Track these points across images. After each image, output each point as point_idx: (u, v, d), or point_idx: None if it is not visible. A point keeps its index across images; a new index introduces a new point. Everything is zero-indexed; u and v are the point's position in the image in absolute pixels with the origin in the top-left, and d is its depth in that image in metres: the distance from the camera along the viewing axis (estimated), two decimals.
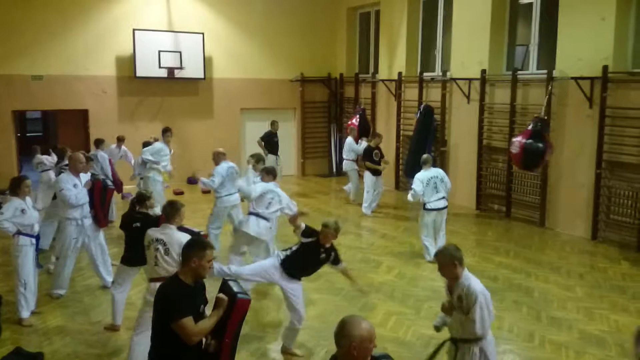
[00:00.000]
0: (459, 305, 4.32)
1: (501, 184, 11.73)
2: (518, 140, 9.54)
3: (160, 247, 5.15)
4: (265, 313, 6.93)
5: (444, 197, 8.82)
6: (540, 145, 9.31)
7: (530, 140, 9.32)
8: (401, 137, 14.27)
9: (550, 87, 10.20)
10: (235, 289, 3.82)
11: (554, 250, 9.55)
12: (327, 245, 5.73)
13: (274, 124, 13.74)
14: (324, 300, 7.30)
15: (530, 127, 9.53)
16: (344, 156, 12.92)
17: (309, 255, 5.73)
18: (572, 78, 9.80)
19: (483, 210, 12.13)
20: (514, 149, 9.56)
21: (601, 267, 8.63)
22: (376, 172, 11.59)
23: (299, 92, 16.32)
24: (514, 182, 11.48)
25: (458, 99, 12.53)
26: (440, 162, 12.93)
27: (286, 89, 16.13)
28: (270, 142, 13.43)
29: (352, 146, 12.69)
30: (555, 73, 10.29)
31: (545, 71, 10.47)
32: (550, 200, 10.76)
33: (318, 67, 16.40)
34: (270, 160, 12.54)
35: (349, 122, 13.97)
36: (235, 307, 3.72)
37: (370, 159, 11.60)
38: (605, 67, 9.41)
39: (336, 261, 5.85)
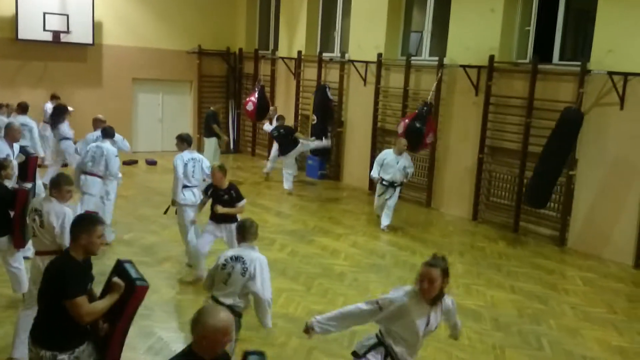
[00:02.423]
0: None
1: None
2: (404, 121, 10.09)
3: (37, 218, 4.96)
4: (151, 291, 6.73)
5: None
6: (420, 126, 9.86)
7: (413, 122, 9.86)
8: (300, 117, 14.31)
9: (440, 74, 10.65)
10: (133, 274, 3.67)
11: (438, 230, 10.07)
12: (225, 187, 6.65)
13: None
14: None
15: (419, 112, 10.00)
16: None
17: (215, 201, 6.67)
18: (461, 66, 10.28)
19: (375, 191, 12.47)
20: (399, 130, 10.08)
21: (480, 246, 9.20)
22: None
23: (197, 65, 15.83)
24: None
25: (355, 81, 12.74)
26: (337, 142, 13.16)
27: (182, 60, 15.58)
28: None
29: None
30: (445, 60, 10.74)
31: (436, 58, 10.89)
32: (437, 182, 11.29)
33: (217, 40, 15.97)
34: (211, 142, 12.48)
35: (248, 99, 13.78)
36: (134, 293, 3.61)
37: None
38: (491, 57, 9.95)
39: (239, 198, 6.71)
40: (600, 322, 6.56)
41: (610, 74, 8.41)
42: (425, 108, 10.02)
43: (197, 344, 2.92)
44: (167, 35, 15.27)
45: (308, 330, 4.01)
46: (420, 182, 11.58)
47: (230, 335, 2.98)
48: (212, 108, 13.11)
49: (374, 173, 9.68)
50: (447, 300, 3.95)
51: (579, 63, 8.89)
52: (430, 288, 3.71)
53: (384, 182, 9.52)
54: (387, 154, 9.59)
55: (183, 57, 15.55)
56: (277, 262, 7.90)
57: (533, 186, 8.90)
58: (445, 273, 3.76)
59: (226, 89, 16.53)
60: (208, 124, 12.65)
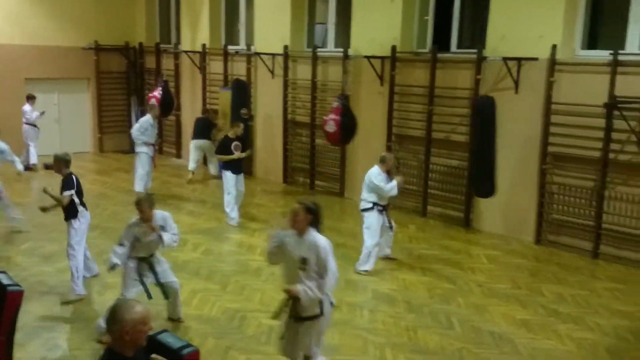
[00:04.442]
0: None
1: (305, 157, 12.15)
2: (332, 118, 10.08)
3: None
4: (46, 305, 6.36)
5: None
6: (352, 119, 10.08)
7: (344, 118, 10.01)
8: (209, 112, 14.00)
9: (346, 65, 10.77)
10: (4, 280, 3.40)
11: (352, 218, 10.17)
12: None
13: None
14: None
15: (338, 105, 10.08)
16: (134, 137, 11.09)
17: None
18: (365, 57, 10.43)
19: (290, 184, 12.48)
20: (330, 128, 10.09)
21: None
22: (237, 170, 9.54)
23: (94, 61, 15.07)
24: (316, 155, 11.97)
25: (263, 74, 12.62)
26: (248, 136, 12.99)
27: (78, 57, 14.75)
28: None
29: (144, 125, 11.05)
30: (350, 52, 10.87)
31: (342, 49, 11.00)
32: (349, 172, 11.44)
33: (114, 35, 15.25)
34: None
35: (150, 95, 13.30)
36: (6, 301, 3.32)
37: (227, 152, 9.46)
38: (393, 47, 10.17)
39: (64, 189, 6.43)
40: (505, 298, 6.91)
41: (505, 59, 8.83)
42: (344, 100, 10.09)
43: (117, 343, 2.86)
44: (61, 31, 14.43)
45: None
46: (333, 172, 11.68)
47: (149, 324, 2.97)
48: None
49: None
50: (317, 236, 4.54)
51: (475, 50, 9.27)
52: (295, 221, 4.51)
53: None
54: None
55: (79, 54, 14.74)
56: (189, 263, 7.71)
57: (477, 179, 8.82)
58: (309, 211, 4.52)
59: (127, 86, 15.88)
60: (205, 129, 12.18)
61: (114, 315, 2.90)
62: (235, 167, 9.47)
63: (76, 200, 6.45)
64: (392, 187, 7.53)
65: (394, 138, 10.61)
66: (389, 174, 7.70)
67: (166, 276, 5.83)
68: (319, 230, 4.61)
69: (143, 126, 11.06)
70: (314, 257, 4.45)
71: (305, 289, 4.41)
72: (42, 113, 13.24)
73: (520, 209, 9.10)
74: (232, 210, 9.45)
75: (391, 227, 7.87)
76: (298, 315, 4.55)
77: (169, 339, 3.36)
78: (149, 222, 5.64)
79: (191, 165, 12.28)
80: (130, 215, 6.16)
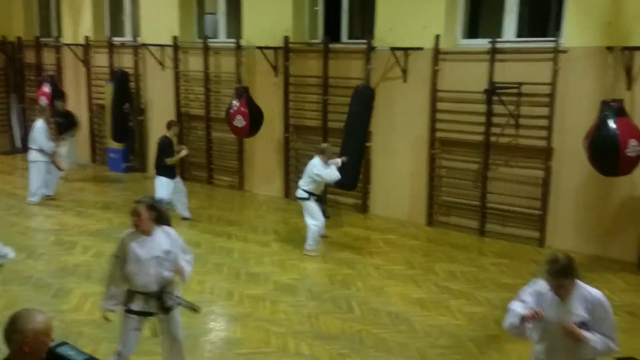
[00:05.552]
0: None
1: (202, 151, 11.89)
2: (240, 111, 9.80)
3: None
4: None
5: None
6: (259, 110, 9.95)
7: (252, 110, 9.82)
8: (94, 106, 13.36)
9: (239, 56, 10.65)
10: None
11: (252, 211, 10.16)
12: None
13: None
14: (9, 291, 6.46)
15: (243, 98, 9.85)
16: (45, 147, 10.07)
17: None
18: (258, 47, 10.37)
19: (186, 179, 12.08)
20: (240, 123, 9.84)
21: (293, 222, 9.45)
22: (173, 174, 9.01)
23: None
24: (213, 149, 11.75)
25: (152, 66, 12.19)
26: (139, 131, 12.54)
27: None
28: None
29: (42, 130, 10.06)
30: (242, 42, 10.76)
31: (234, 40, 10.86)
32: (247, 165, 11.35)
33: None
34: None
35: (40, 92, 12.44)
36: None
37: (171, 155, 8.95)
38: (286, 38, 10.18)
39: None
40: (401, 279, 7.18)
41: (393, 49, 9.12)
42: (244, 92, 9.90)
43: (17, 355, 2.69)
44: None
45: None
46: (232, 165, 11.53)
47: (52, 335, 2.83)
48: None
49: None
50: (168, 230, 4.56)
51: (365, 41, 9.48)
52: (139, 221, 4.39)
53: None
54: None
55: None
56: (80, 267, 7.33)
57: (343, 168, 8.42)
58: (150, 208, 4.42)
59: (5, 83, 14.75)
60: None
61: (14, 324, 2.72)
62: (173, 171, 9.04)
63: None
64: (329, 172, 7.84)
65: (291, 129, 10.64)
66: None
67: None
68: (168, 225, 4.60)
69: (44, 132, 10.07)
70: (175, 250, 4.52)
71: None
72: None
73: (413, 194, 9.47)
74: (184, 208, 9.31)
75: (324, 213, 8.23)
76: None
77: (70, 352, 3.23)
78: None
79: (67, 164, 11.54)
80: (14, 220, 5.74)
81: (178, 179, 9.21)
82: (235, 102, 9.90)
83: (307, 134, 10.61)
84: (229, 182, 11.59)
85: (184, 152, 9.18)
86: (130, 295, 4.56)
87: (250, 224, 9.33)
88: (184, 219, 9.27)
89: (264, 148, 11.04)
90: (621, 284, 7.05)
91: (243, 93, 9.92)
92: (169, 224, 4.63)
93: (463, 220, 9.03)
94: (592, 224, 7.97)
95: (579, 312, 3.58)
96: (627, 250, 7.69)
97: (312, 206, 7.96)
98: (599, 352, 3.61)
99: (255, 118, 9.95)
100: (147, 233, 4.45)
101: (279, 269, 7.45)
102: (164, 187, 8.82)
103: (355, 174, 8.88)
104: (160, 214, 4.51)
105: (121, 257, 4.51)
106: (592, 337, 3.56)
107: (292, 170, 10.84)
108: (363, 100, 8.89)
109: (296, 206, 10.36)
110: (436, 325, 5.96)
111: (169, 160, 8.88)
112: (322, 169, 7.81)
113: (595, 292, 3.65)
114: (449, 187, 9.18)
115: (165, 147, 8.93)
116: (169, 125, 9.18)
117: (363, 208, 9.97)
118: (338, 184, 8.46)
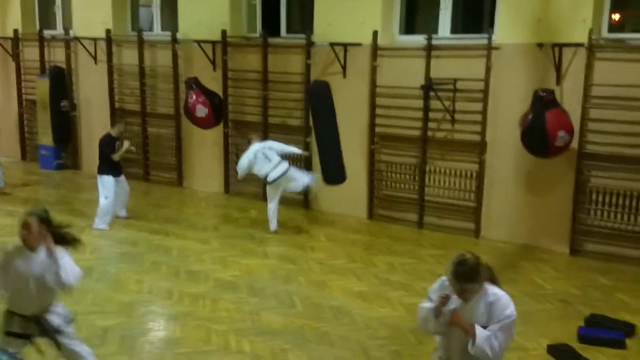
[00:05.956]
0: None
1: (138, 147, 11.55)
2: (199, 102, 9.58)
3: None
4: None
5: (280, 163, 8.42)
6: (218, 97, 9.92)
7: (211, 98, 9.68)
8: (24, 102, 12.79)
9: (176, 50, 10.43)
10: None
11: (191, 208, 9.99)
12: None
13: None
14: None
15: (197, 88, 9.64)
16: None
17: None
18: (195, 41, 10.18)
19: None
20: (202, 113, 9.61)
21: (234, 218, 9.38)
22: (117, 172, 8.79)
23: None
24: (149, 145, 11.47)
25: (85, 60, 11.78)
26: (73, 126, 12.10)
27: None
28: None
29: None
30: (178, 35, 10.53)
31: (169, 33, 10.62)
32: (186, 161, 11.14)
33: None
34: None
35: None
36: None
37: (114, 150, 8.70)
38: (223, 32, 10.04)
39: None
40: (343, 272, 7.23)
41: (332, 45, 9.14)
42: (194, 84, 9.71)
43: None
44: None
45: None
46: (170, 161, 11.29)
47: None
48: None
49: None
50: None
51: (304, 36, 9.47)
52: (28, 235, 3.90)
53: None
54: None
55: None
56: None
57: (324, 165, 8.30)
58: (43, 221, 3.95)
59: None
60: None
61: None
62: (118, 168, 8.80)
63: None
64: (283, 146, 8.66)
65: (230, 124, 10.52)
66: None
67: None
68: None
69: None
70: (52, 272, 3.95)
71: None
72: None
73: (354, 188, 9.52)
74: (105, 214, 8.64)
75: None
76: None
77: (3, 357, 3.14)
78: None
79: None
80: None
81: (122, 178, 8.94)
82: (191, 94, 9.68)
83: (248, 130, 10.49)
84: (167, 179, 11.35)
85: (126, 144, 8.87)
86: (9, 316, 4.05)
87: (190, 221, 9.17)
88: (119, 217, 9.01)
89: (203, 144, 10.87)
90: (553, 272, 7.34)
91: (193, 84, 9.72)
92: (68, 243, 4.12)
93: (402, 214, 9.19)
94: (524, 215, 8.27)
95: (477, 317, 3.44)
96: (558, 240, 8.02)
97: (268, 190, 8.58)
98: (480, 349, 3.38)
99: (215, 104, 9.77)
100: (32, 249, 3.94)
101: (220, 266, 7.36)
102: (107, 186, 8.59)
103: (341, 166, 8.38)
104: (55, 230, 4.01)
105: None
106: (480, 333, 3.38)
107: (232, 166, 10.69)
108: (322, 95, 8.48)
109: (237, 202, 10.31)
110: (376, 317, 6.03)
111: (115, 156, 8.64)
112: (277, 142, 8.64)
113: (502, 300, 3.46)
114: (389, 181, 9.32)
115: (108, 143, 8.68)
116: (113, 123, 8.98)
117: (305, 203, 9.98)
118: (329, 181, 8.33)
